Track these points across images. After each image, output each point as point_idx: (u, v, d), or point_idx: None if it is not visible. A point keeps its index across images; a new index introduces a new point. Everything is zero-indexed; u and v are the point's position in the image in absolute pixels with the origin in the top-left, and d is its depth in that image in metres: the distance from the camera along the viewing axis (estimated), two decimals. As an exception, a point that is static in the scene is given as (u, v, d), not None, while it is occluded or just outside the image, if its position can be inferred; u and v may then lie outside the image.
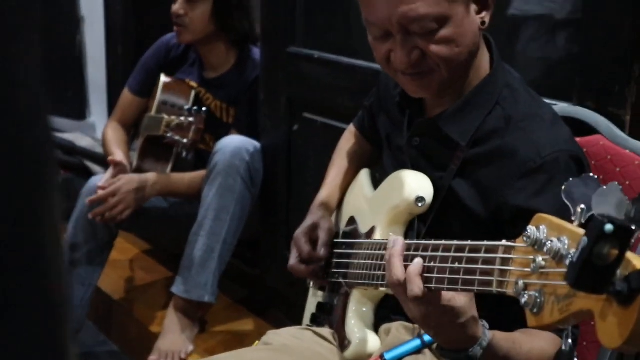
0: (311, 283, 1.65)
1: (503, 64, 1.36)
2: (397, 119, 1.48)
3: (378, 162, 1.64)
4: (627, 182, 1.40)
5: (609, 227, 0.65)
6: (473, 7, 1.26)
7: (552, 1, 1.93)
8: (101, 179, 2.46)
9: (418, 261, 1.08)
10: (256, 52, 2.61)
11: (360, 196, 1.60)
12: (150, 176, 2.47)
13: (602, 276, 0.67)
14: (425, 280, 1.07)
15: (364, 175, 1.64)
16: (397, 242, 1.13)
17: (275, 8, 2.45)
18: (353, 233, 1.54)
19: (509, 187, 1.26)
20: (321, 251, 1.51)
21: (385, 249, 1.32)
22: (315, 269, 1.53)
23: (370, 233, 1.46)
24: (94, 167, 3.39)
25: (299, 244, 1.53)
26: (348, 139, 1.71)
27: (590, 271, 0.67)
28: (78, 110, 4.01)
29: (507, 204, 1.26)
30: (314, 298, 1.66)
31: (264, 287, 2.70)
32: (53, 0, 3.87)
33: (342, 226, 1.60)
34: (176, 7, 2.51)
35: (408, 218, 1.39)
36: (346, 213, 1.62)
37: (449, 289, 1.05)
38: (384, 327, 1.44)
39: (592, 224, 0.67)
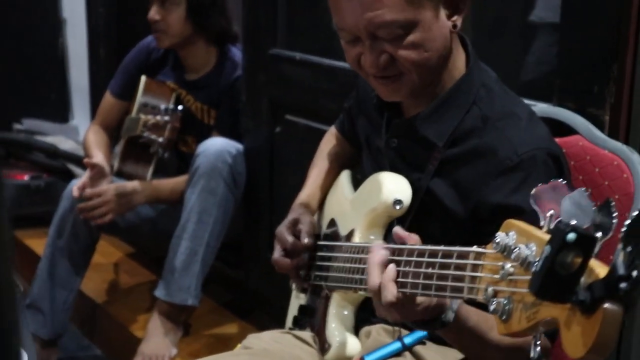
0: (294, 285, 1.64)
1: (479, 63, 1.36)
2: (375, 120, 1.47)
3: (359, 163, 1.63)
4: (606, 183, 1.39)
5: (571, 235, 0.65)
6: (443, 12, 1.26)
7: (533, 2, 1.93)
8: (78, 182, 2.46)
9: (391, 267, 1.09)
10: (236, 52, 2.60)
11: (340, 198, 1.59)
12: (136, 184, 2.47)
13: (565, 285, 0.66)
14: (401, 285, 1.08)
15: (345, 177, 1.63)
16: (378, 250, 1.13)
17: (257, 9, 2.44)
18: (333, 235, 1.53)
19: (487, 185, 1.25)
20: (305, 240, 1.49)
21: (362, 252, 1.32)
22: (299, 262, 1.51)
23: (349, 236, 1.45)
24: (77, 170, 3.38)
25: (282, 237, 1.51)
26: (329, 140, 1.71)
27: (554, 280, 0.66)
28: (61, 113, 4.00)
29: (485, 203, 1.25)
30: (296, 300, 1.65)
31: (247, 289, 2.70)
32: (35, 3, 3.85)
33: (324, 228, 1.59)
34: (151, 14, 2.50)
35: (387, 220, 1.39)
36: (327, 215, 1.61)
37: (422, 294, 1.05)
38: (364, 330, 1.43)
39: (554, 233, 0.66)
